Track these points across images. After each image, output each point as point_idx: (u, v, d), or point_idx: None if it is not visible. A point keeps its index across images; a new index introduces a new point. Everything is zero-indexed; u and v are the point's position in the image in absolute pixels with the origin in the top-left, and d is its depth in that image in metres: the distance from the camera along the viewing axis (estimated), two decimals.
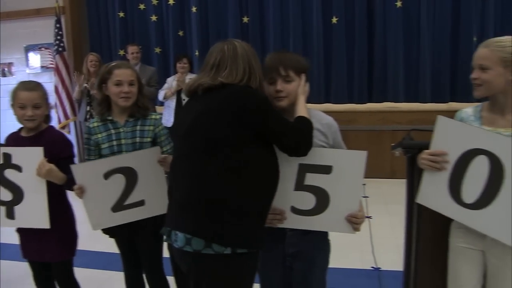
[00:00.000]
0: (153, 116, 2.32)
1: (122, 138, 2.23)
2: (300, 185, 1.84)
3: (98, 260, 3.62)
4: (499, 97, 1.77)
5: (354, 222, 1.87)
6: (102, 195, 2.13)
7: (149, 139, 2.26)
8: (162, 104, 5.71)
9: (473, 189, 1.73)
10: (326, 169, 1.82)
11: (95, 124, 2.28)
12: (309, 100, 6.01)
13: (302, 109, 1.80)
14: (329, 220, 1.88)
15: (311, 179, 1.83)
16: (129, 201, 2.16)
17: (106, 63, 2.38)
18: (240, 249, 1.61)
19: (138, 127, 2.26)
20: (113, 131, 2.24)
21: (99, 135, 2.24)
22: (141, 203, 2.17)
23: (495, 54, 1.70)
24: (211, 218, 1.59)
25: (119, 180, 2.12)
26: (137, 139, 2.24)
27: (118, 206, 2.15)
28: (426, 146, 1.92)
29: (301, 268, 1.95)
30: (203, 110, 1.67)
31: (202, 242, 1.58)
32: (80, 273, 2.53)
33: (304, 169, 1.82)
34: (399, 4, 5.69)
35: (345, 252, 3.62)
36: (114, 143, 2.23)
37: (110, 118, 2.26)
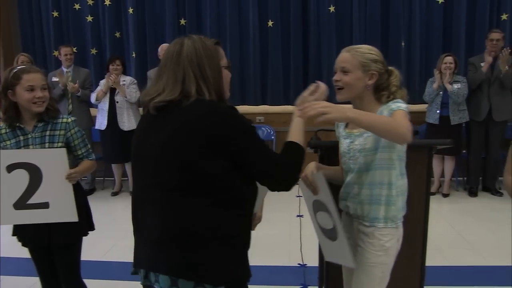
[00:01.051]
0: (64, 120, 2.25)
1: (30, 144, 2.18)
2: None
3: (21, 267, 3.53)
4: (356, 102, 1.90)
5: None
6: (4, 189, 2.08)
7: (60, 144, 2.21)
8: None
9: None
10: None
11: (3, 131, 2.20)
12: (246, 102, 6.14)
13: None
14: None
15: None
16: (32, 200, 2.10)
17: (39, 64, 2.30)
18: (234, 284, 1.50)
19: (47, 132, 2.20)
20: (21, 138, 2.18)
21: (8, 142, 2.17)
22: (45, 205, 2.12)
23: (356, 58, 1.82)
24: (199, 255, 1.41)
25: (23, 176, 2.07)
26: (47, 145, 2.19)
27: (21, 204, 2.10)
28: (331, 145, 2.03)
29: None
30: (170, 135, 1.43)
31: (191, 284, 1.41)
32: (4, 282, 2.45)
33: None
34: (332, 9, 5.89)
35: (274, 250, 3.72)
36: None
37: (18, 124, 2.19)
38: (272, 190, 1.53)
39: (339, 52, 1.90)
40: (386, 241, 1.85)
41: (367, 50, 1.85)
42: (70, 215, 2.16)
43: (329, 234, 1.92)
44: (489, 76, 5.14)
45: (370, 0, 5.91)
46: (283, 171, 1.48)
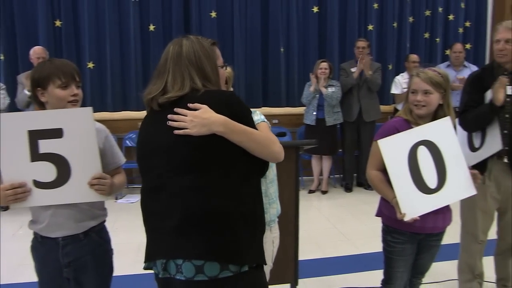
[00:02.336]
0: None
1: None
2: (36, 155, 1.71)
3: None
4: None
5: (98, 185, 1.74)
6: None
7: None
8: None
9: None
10: (56, 133, 1.71)
11: None
12: (127, 107, 5.90)
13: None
14: (75, 190, 1.75)
15: (45, 146, 1.71)
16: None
17: None
18: (257, 263, 1.49)
19: None
20: None
21: None
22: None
23: None
24: (225, 236, 1.42)
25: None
26: None
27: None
28: None
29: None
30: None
31: (217, 266, 1.39)
32: None
33: (35, 136, 1.70)
34: (213, 14, 5.96)
35: (135, 259, 3.48)
36: None
37: None
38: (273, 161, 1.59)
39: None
40: None
41: None
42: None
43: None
44: (358, 80, 5.61)
45: (250, 7, 6.08)
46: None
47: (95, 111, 1.78)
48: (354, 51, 5.80)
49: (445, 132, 2.06)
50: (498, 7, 7.10)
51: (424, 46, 6.80)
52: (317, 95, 5.51)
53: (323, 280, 3.03)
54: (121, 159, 1.98)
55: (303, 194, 5.51)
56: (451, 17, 6.90)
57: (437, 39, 6.83)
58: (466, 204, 2.72)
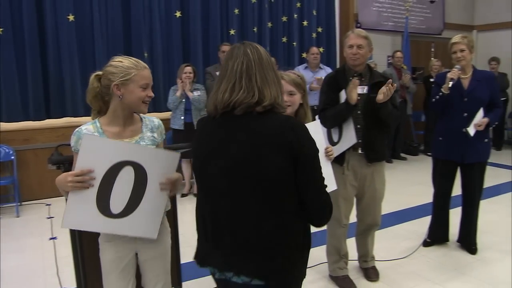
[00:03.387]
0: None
1: None
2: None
3: None
4: (118, 111, 1.95)
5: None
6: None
7: None
8: None
9: (120, 199, 1.84)
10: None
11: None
12: None
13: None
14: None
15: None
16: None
17: None
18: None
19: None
20: None
21: None
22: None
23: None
24: (275, 262, 1.49)
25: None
26: None
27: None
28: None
29: None
30: (250, 144, 1.46)
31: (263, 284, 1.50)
32: None
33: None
34: (71, 18, 5.62)
35: (28, 282, 3.37)
36: None
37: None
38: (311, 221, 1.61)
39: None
40: None
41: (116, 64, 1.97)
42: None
43: None
44: None
45: (111, 10, 5.88)
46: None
47: None
48: (219, 55, 5.95)
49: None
50: (343, 15, 7.86)
51: (282, 50, 7.26)
52: (184, 100, 5.53)
53: (205, 280, 3.09)
54: None
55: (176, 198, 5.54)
56: (305, 23, 7.46)
57: (294, 43, 7.33)
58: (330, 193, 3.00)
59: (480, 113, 3.50)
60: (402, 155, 7.99)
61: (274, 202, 1.46)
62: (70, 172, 1.79)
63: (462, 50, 3.45)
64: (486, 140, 3.61)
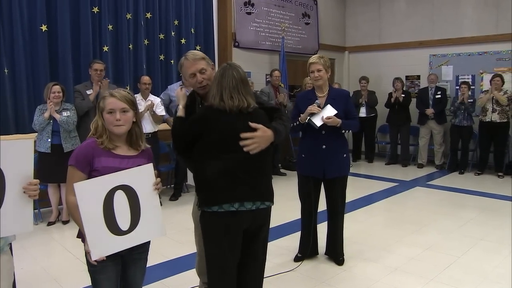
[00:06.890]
0: None
1: None
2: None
3: None
4: None
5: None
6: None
7: None
8: None
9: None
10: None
11: None
12: None
13: None
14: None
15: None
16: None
17: None
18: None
19: None
20: None
21: None
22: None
23: None
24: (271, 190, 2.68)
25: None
26: None
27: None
28: None
29: None
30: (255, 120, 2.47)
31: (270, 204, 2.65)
32: None
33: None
34: None
35: None
36: None
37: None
38: None
39: None
40: None
41: None
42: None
43: None
44: (94, 103, 5.43)
45: None
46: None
47: None
48: (90, 72, 5.65)
49: (144, 177, 2.21)
50: (221, 34, 7.98)
51: (160, 67, 7.13)
52: (51, 121, 5.15)
53: None
54: None
55: (41, 228, 5.09)
56: (183, 41, 7.42)
57: (172, 61, 7.24)
58: None
59: (329, 108, 3.69)
60: (282, 170, 8.23)
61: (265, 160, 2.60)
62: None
63: (319, 70, 3.65)
64: (345, 155, 3.82)
